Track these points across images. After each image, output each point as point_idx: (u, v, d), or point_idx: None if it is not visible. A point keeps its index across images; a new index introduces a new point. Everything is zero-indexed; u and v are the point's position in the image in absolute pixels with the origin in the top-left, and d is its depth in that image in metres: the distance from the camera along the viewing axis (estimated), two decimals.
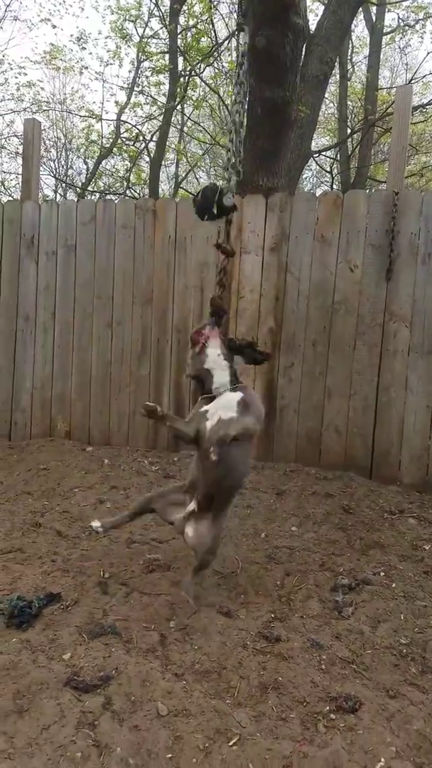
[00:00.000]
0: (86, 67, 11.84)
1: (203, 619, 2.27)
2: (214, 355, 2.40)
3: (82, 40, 10.27)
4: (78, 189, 10.97)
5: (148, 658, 2.03)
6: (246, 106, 2.47)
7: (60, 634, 2.19)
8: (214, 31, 8.56)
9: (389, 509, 3.55)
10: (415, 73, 11.52)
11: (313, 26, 5.43)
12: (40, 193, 5.74)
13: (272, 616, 2.33)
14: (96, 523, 2.68)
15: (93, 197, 10.57)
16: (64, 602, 2.44)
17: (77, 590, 2.54)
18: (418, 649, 2.10)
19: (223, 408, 2.32)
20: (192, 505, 2.47)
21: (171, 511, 2.59)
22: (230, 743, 1.63)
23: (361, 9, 8.34)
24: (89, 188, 10.71)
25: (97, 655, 2.04)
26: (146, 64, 9.92)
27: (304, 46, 4.34)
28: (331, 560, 2.89)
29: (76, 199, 6.62)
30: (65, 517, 3.45)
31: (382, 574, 2.75)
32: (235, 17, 9.69)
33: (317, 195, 4.27)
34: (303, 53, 4.39)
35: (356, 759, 1.56)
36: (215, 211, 2.44)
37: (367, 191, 7.41)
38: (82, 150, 11.80)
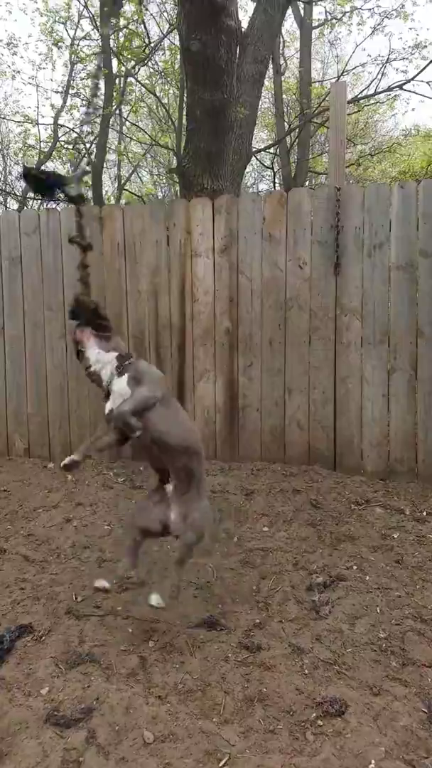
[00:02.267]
0: (18, 72, 11.46)
1: (182, 636, 2.24)
2: (94, 355, 2.40)
3: (11, 44, 9.96)
4: (18, 197, 10.66)
5: (130, 683, 1.99)
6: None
7: (35, 668, 2.11)
8: (146, 31, 8.45)
9: (355, 500, 3.60)
10: (346, 65, 11.71)
11: (244, 25, 5.43)
12: None
13: (252, 624, 2.32)
14: (100, 583, 2.38)
15: (34, 204, 10.29)
16: (37, 632, 2.36)
17: (50, 618, 2.46)
18: (397, 642, 2.14)
19: (119, 396, 2.33)
20: (169, 487, 2.40)
21: (156, 515, 2.43)
22: (220, 764, 1.61)
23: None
24: (30, 195, 10.41)
25: (76, 686, 1.98)
26: (80, 65, 9.73)
27: (238, 47, 4.33)
28: (304, 558, 2.91)
29: (16, 207, 6.42)
30: (31, 541, 3.34)
31: (354, 567, 2.79)
32: (166, 16, 9.62)
33: (262, 195, 4.28)
34: (237, 54, 4.38)
35: (347, 764, 1.57)
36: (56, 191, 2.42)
37: (311, 187, 7.50)
38: (20, 156, 11.46)
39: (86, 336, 2.41)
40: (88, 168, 2.49)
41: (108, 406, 2.39)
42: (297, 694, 1.87)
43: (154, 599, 2.24)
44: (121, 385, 2.35)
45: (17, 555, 3.16)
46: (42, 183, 2.48)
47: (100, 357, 2.39)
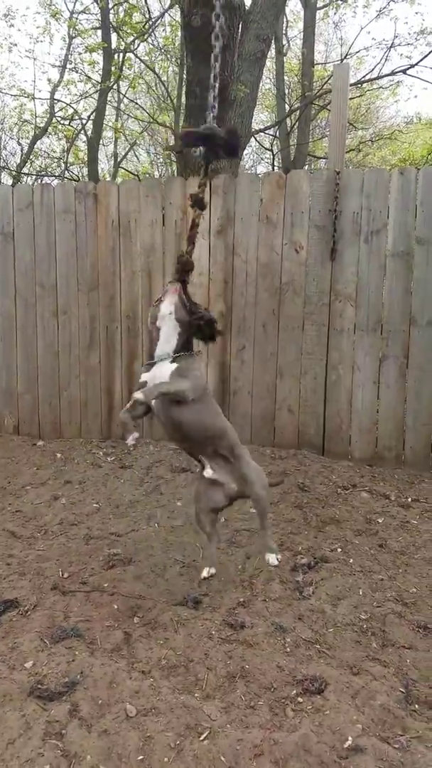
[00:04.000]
0: (15, 44, 11.15)
1: (167, 613, 2.26)
2: (166, 312, 2.27)
3: (9, 16, 9.71)
4: (12, 171, 10.47)
5: (114, 658, 2.01)
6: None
7: (20, 642, 2.12)
8: (147, 6, 8.26)
9: (342, 485, 3.63)
10: (350, 48, 11.56)
11: (248, 2, 5.32)
12: None
13: (236, 602, 2.35)
14: (206, 572, 2.50)
15: (29, 180, 10.12)
16: (23, 607, 2.37)
17: (36, 593, 2.47)
18: (378, 624, 2.17)
19: (159, 377, 2.22)
20: (208, 472, 2.39)
21: (213, 495, 2.44)
22: (201, 738, 1.63)
23: None
24: (24, 170, 10.23)
25: (60, 660, 1.99)
26: (78, 40, 9.51)
27: (240, 24, 4.23)
28: (289, 539, 2.94)
29: (11, 182, 6.31)
30: (18, 517, 3.34)
31: (339, 550, 2.82)
32: None
33: (260, 176, 4.23)
34: (240, 31, 4.29)
35: (324, 740, 1.60)
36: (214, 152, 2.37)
37: (310, 171, 7.42)
38: (15, 130, 11.24)
39: (173, 291, 2.29)
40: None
41: (144, 377, 2.28)
42: (278, 672, 1.90)
43: (272, 558, 2.41)
44: (164, 371, 2.23)
45: (4, 531, 3.16)
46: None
47: (168, 320, 2.27)
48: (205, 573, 2.50)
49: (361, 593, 2.39)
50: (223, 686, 1.86)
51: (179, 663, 1.98)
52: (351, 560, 2.70)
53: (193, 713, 1.73)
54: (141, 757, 1.58)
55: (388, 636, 2.10)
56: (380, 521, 3.14)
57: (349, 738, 1.59)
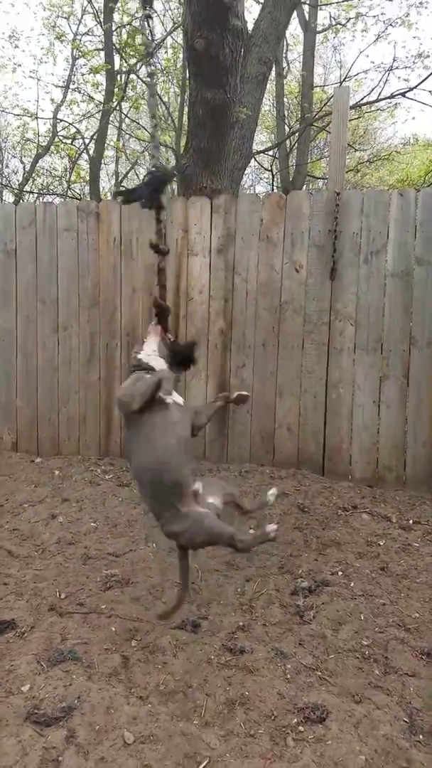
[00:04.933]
0: (19, 65, 11.35)
1: (165, 636, 2.22)
2: (150, 350, 2.42)
3: (13, 37, 9.87)
4: (15, 190, 10.57)
5: (111, 683, 1.97)
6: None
7: (17, 664, 2.09)
8: (150, 29, 8.39)
9: (343, 506, 3.60)
10: (349, 71, 11.73)
11: (250, 26, 5.43)
12: None
13: (235, 626, 2.31)
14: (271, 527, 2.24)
15: (31, 198, 10.21)
16: (20, 628, 2.34)
17: (33, 614, 2.44)
18: (380, 650, 2.14)
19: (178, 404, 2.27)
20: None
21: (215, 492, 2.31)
22: (200, 767, 1.60)
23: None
24: (26, 188, 10.32)
25: (57, 684, 1.96)
26: (81, 61, 9.66)
27: (243, 47, 4.31)
28: (289, 562, 2.91)
29: (13, 200, 6.36)
30: (16, 536, 3.31)
31: (340, 573, 2.79)
32: (170, 14, 9.59)
33: (261, 196, 4.27)
34: (242, 54, 4.37)
35: None
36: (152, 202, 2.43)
37: (309, 191, 7.49)
38: (17, 149, 11.37)
39: (155, 331, 2.47)
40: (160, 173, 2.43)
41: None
42: (279, 699, 1.87)
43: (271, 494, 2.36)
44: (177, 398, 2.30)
45: (1, 550, 3.13)
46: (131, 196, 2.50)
47: (151, 357, 2.39)
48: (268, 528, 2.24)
49: (362, 618, 2.36)
50: (222, 713, 1.83)
51: (178, 688, 1.94)
52: (352, 584, 2.67)
53: (191, 741, 1.69)
54: None
55: (390, 663, 2.06)
56: (381, 544, 3.11)
57: None
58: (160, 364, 2.37)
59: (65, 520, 3.48)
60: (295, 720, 1.78)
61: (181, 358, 2.47)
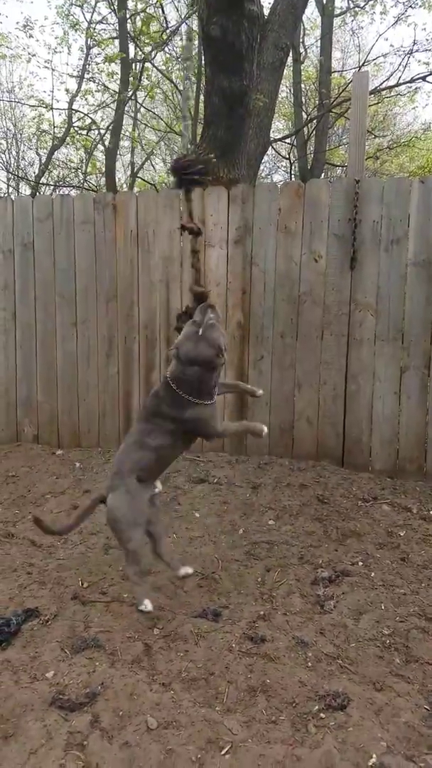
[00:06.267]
0: (33, 55, 11.36)
1: (187, 625, 2.25)
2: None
3: (28, 27, 9.86)
4: (31, 182, 10.63)
5: (134, 670, 2.01)
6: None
7: (41, 651, 2.14)
8: (164, 16, 8.35)
9: (363, 497, 3.60)
10: (368, 55, 11.52)
11: (266, 11, 5.36)
12: None
13: (256, 615, 2.33)
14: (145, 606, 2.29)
15: (47, 190, 10.27)
16: (43, 617, 2.38)
17: (56, 603, 2.49)
18: (401, 639, 2.14)
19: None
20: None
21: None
22: (223, 752, 1.63)
23: None
24: (42, 180, 10.37)
25: (81, 670, 2.00)
26: (96, 50, 9.64)
27: (259, 33, 4.26)
28: (309, 553, 2.92)
29: (29, 192, 6.40)
30: None
31: (360, 563, 2.79)
32: (185, 0, 9.51)
33: (279, 185, 4.24)
34: (258, 40, 4.32)
35: (348, 757, 1.58)
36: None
37: (328, 180, 7.41)
38: (33, 140, 11.42)
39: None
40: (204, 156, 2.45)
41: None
42: (300, 687, 1.88)
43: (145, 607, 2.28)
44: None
45: (25, 540, 3.19)
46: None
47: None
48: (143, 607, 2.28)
49: (383, 608, 2.36)
50: (244, 700, 1.85)
51: (200, 676, 1.97)
52: (372, 574, 2.67)
53: (214, 727, 1.72)
54: None
55: (411, 652, 2.07)
56: (402, 534, 3.10)
57: (374, 756, 1.57)
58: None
59: None
60: (317, 707, 1.79)
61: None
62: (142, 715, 1.79)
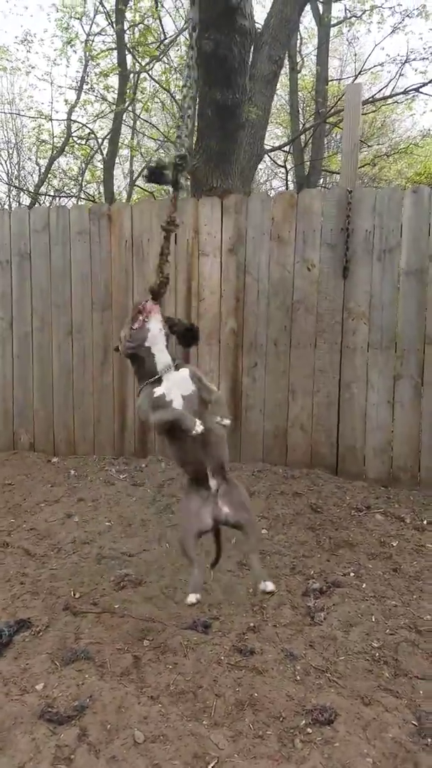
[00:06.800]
0: (33, 67, 11.43)
1: (177, 637, 2.25)
2: (156, 330, 2.26)
3: (27, 41, 9.93)
4: (30, 192, 10.68)
5: (123, 683, 2.01)
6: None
7: (32, 663, 2.14)
8: (162, 27, 8.41)
9: (356, 506, 3.60)
10: (364, 64, 11.59)
11: (260, 22, 5.41)
12: None
13: (246, 627, 2.33)
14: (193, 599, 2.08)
15: (46, 199, 10.31)
16: (35, 628, 2.38)
17: (48, 614, 2.48)
18: (390, 652, 2.14)
19: (177, 386, 2.19)
20: (212, 483, 2.26)
21: (204, 517, 2.24)
22: (208, 767, 1.62)
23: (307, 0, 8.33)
24: (42, 190, 10.42)
25: (70, 683, 2.00)
26: (94, 62, 9.69)
27: (252, 46, 4.30)
28: (301, 563, 2.92)
29: (28, 203, 6.44)
30: (33, 535, 3.37)
31: (351, 574, 2.79)
32: (182, 12, 9.59)
33: (272, 195, 4.27)
34: (251, 54, 4.36)
35: None
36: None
37: (322, 188, 7.45)
38: (33, 150, 11.48)
39: (156, 310, 2.32)
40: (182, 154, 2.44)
41: (159, 390, 2.21)
42: (287, 700, 1.88)
43: (269, 586, 2.06)
44: (183, 377, 2.22)
45: (19, 549, 3.19)
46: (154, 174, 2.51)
47: (159, 337, 2.27)
48: (192, 599, 2.09)
49: (373, 620, 2.36)
50: (231, 714, 1.85)
51: (188, 689, 1.97)
52: (364, 585, 2.67)
53: (201, 741, 1.72)
54: None
55: (400, 665, 2.06)
56: (394, 545, 3.10)
57: None
58: (161, 345, 2.25)
59: (80, 519, 3.53)
60: (304, 722, 1.79)
61: (185, 342, 2.40)
62: (129, 728, 1.79)
